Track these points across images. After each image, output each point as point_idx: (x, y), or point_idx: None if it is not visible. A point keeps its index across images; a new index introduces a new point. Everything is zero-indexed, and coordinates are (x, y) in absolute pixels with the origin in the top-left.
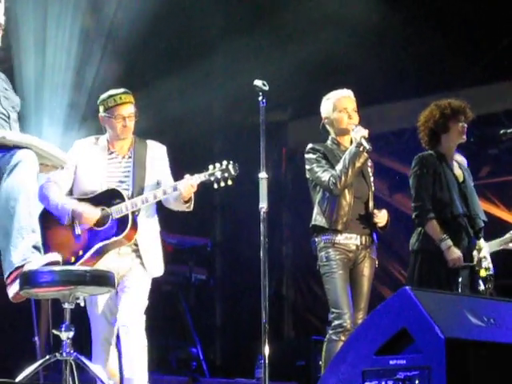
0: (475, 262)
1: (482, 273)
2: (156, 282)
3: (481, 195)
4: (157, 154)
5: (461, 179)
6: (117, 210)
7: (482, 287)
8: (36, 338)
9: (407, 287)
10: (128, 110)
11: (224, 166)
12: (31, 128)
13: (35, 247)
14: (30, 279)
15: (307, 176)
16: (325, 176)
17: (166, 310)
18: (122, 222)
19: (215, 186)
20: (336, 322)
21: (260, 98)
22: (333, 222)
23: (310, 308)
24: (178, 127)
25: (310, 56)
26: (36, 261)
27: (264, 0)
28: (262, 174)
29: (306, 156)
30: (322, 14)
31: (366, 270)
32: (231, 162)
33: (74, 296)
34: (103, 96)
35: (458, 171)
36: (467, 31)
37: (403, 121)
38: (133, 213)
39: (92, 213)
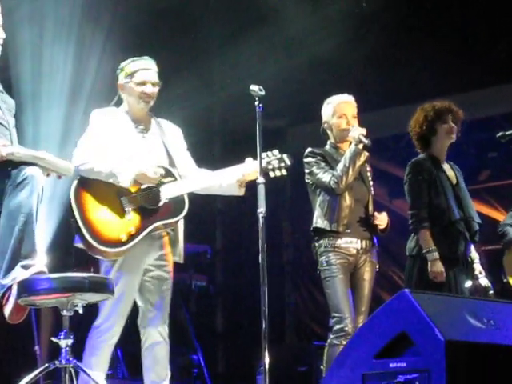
0: (474, 274)
1: (483, 282)
2: None
3: (481, 199)
4: (177, 134)
5: (454, 181)
6: (169, 190)
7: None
8: (36, 347)
9: (406, 290)
10: (152, 75)
11: (280, 155)
12: (29, 139)
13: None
14: (27, 287)
15: (307, 180)
16: (326, 177)
17: None
18: (176, 203)
19: (271, 174)
20: (337, 327)
21: (257, 103)
22: (334, 223)
23: (311, 313)
24: None
25: (309, 62)
26: (21, 276)
27: (260, 7)
28: (260, 179)
29: (305, 160)
30: (319, 19)
31: (367, 274)
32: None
33: (72, 303)
34: (124, 62)
35: (450, 173)
36: (463, 35)
37: (401, 126)
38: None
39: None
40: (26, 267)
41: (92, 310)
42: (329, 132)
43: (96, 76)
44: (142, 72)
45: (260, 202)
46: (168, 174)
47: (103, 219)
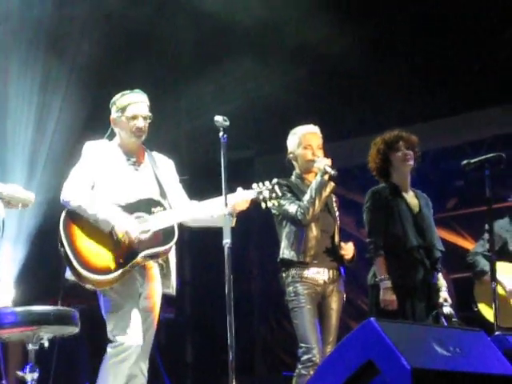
0: (438, 302)
1: (446, 310)
2: None
3: (448, 227)
4: (169, 167)
5: (416, 209)
6: (158, 220)
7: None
8: (4, 382)
9: (372, 319)
10: (143, 109)
11: (270, 186)
12: None
13: None
14: None
15: (273, 211)
16: (292, 208)
17: None
18: (166, 232)
19: (263, 205)
20: (305, 357)
21: (221, 134)
22: (301, 254)
23: (280, 344)
24: None
25: (275, 93)
26: None
27: (225, 40)
28: (225, 210)
29: None
30: (284, 50)
31: (334, 303)
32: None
33: (37, 336)
34: (116, 96)
35: (413, 201)
36: (428, 64)
37: (367, 155)
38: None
39: (134, 228)
40: None
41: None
42: (294, 162)
43: (61, 109)
44: (132, 106)
45: (225, 232)
46: (158, 204)
47: (92, 248)
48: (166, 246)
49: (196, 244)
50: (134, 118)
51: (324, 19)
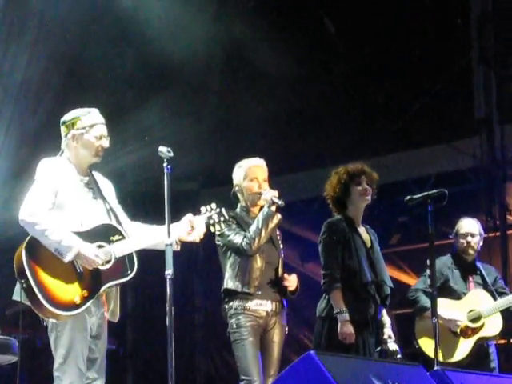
0: (383, 339)
1: (391, 346)
2: None
3: (391, 263)
4: (111, 187)
5: (368, 244)
6: (119, 249)
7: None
8: None
9: (312, 351)
10: (105, 130)
11: (218, 209)
12: None
13: None
14: None
15: (217, 242)
16: (237, 238)
17: None
18: (125, 262)
19: (212, 229)
20: None
21: (165, 165)
22: (245, 285)
23: (222, 377)
24: None
25: (219, 125)
26: None
27: (170, 72)
28: (168, 240)
29: None
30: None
31: (276, 336)
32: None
33: None
34: (77, 112)
35: (365, 236)
36: (375, 101)
37: (313, 189)
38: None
39: (98, 257)
40: None
41: None
42: (240, 195)
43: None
44: (100, 126)
45: (168, 263)
46: (116, 232)
47: (56, 281)
48: (129, 277)
49: (138, 274)
50: (102, 137)
51: (273, 53)
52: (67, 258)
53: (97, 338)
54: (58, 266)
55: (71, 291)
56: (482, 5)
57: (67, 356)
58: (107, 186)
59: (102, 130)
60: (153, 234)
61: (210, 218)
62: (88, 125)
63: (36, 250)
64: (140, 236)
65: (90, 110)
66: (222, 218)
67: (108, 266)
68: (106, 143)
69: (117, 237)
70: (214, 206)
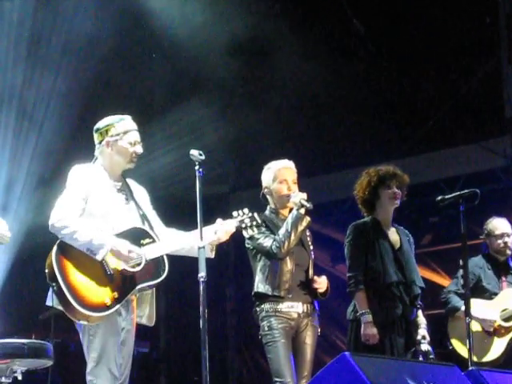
0: (416, 340)
1: (423, 347)
2: None
3: (423, 263)
4: (145, 194)
5: (397, 246)
6: (150, 251)
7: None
8: None
9: (347, 353)
10: (139, 136)
11: (251, 214)
12: None
13: None
14: None
15: (247, 245)
16: (267, 242)
17: None
18: (156, 265)
19: (244, 233)
20: None
21: (197, 168)
22: (275, 288)
23: (254, 379)
24: None
25: (250, 128)
26: None
27: (200, 73)
28: (200, 243)
29: None
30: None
31: (309, 338)
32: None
33: (11, 370)
34: (111, 119)
35: (394, 237)
36: (406, 102)
37: (344, 190)
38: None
39: (133, 252)
40: None
41: None
42: (269, 197)
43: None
44: (134, 132)
45: (201, 266)
46: (147, 236)
47: (86, 283)
48: (159, 279)
49: (170, 277)
50: (135, 143)
51: (298, 60)
52: (100, 256)
53: (122, 343)
54: (88, 269)
55: (101, 293)
56: (510, 3)
57: (100, 360)
58: (141, 193)
59: (136, 136)
60: (183, 238)
61: (241, 221)
62: (122, 131)
63: (66, 253)
64: (170, 239)
65: (123, 117)
66: (254, 223)
67: (138, 268)
68: (139, 149)
69: (147, 240)
70: (246, 210)
